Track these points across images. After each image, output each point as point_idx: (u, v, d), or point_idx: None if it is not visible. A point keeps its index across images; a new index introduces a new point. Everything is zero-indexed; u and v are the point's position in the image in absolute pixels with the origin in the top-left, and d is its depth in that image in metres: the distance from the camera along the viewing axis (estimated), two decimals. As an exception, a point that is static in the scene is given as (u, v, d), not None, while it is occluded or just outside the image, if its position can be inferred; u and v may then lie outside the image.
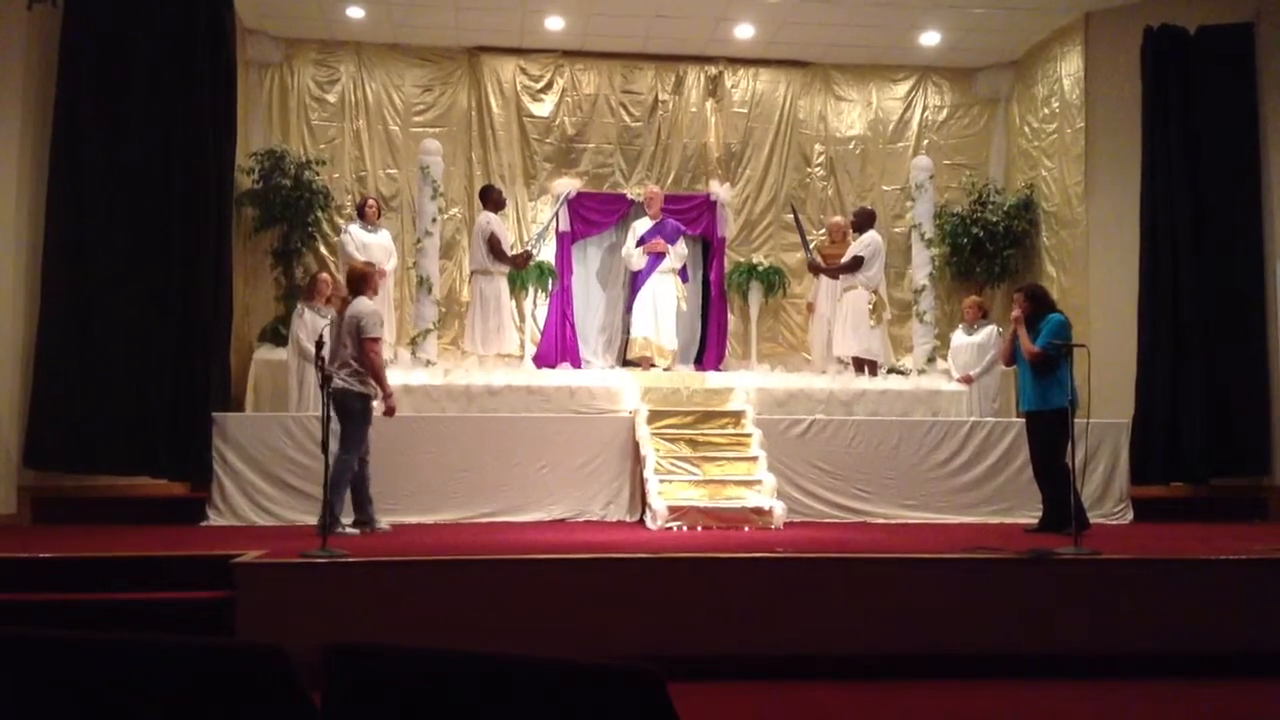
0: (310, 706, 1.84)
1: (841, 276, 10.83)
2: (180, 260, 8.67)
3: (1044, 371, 7.66)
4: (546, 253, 11.53)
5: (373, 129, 11.83)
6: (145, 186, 8.64)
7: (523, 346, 11.33)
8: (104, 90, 8.64)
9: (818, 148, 12.39)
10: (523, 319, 11.53)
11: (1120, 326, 10.21)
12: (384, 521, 7.80)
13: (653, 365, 10.81)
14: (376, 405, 7.62)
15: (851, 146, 12.44)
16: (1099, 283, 10.75)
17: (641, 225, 11.25)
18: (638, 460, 8.92)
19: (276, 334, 10.65)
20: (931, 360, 11.16)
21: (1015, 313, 8.03)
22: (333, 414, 7.15)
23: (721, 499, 8.42)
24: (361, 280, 7.75)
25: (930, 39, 11.67)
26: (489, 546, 6.53)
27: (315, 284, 9.82)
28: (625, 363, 11.37)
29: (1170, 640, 5.71)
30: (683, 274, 11.43)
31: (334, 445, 7.09)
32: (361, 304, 7.61)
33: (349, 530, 7.52)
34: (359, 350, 7.48)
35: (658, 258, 11.07)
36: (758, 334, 11.89)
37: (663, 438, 9.01)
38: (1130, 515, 9.32)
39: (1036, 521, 7.97)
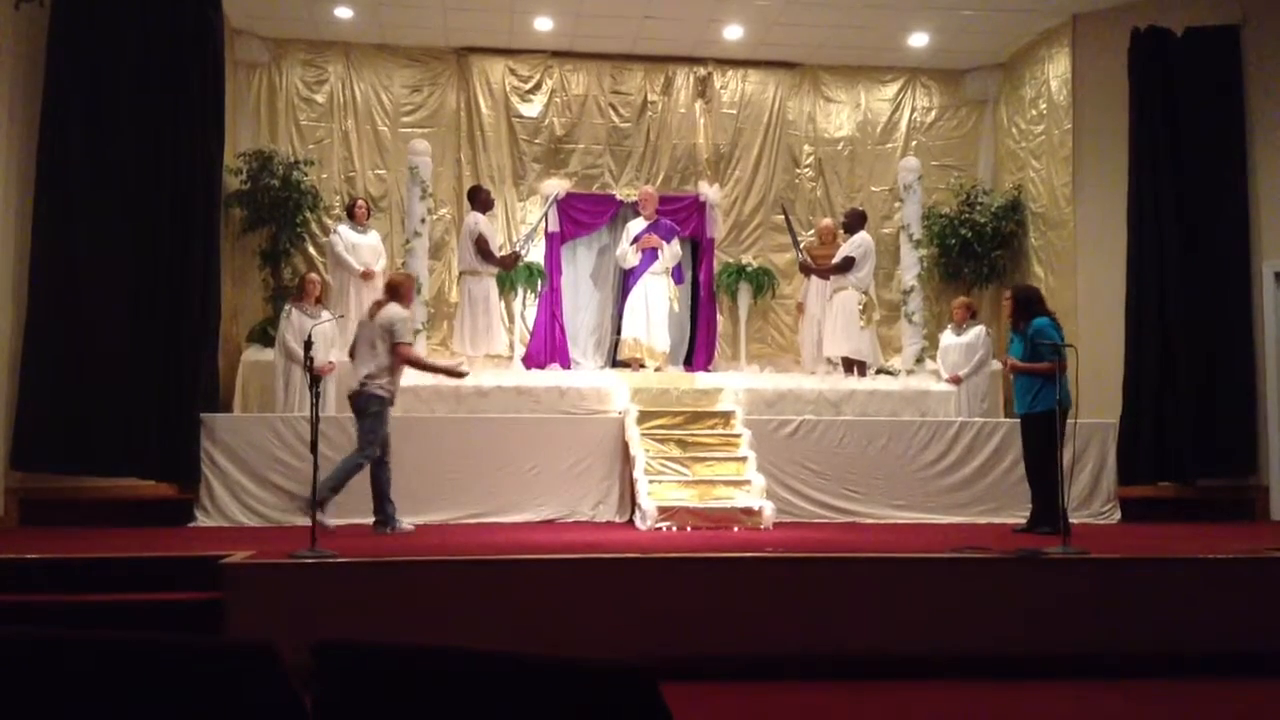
0: (300, 705, 1.84)
1: (832, 277, 10.84)
2: (168, 261, 8.66)
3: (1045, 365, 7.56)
4: (535, 253, 11.51)
5: (361, 129, 11.79)
6: (133, 187, 8.61)
7: (512, 347, 11.32)
8: (91, 91, 8.60)
9: (806, 149, 12.40)
10: (512, 320, 11.51)
11: (1108, 326, 10.23)
12: (406, 521, 7.84)
13: (643, 366, 10.79)
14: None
15: (840, 147, 12.45)
16: (1087, 283, 10.78)
17: (636, 225, 11.22)
18: (627, 461, 8.92)
19: (265, 335, 10.60)
20: (920, 361, 11.18)
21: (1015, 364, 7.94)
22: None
23: (711, 499, 8.43)
24: (399, 288, 7.94)
25: (919, 40, 11.69)
26: (478, 547, 6.52)
27: (304, 285, 9.85)
28: (615, 363, 11.36)
29: (1159, 639, 5.73)
30: (677, 275, 11.38)
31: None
32: (394, 310, 7.77)
33: (330, 524, 7.62)
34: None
35: (651, 257, 11.03)
36: (747, 335, 11.89)
37: (652, 438, 9.00)
38: (1118, 515, 9.37)
39: (1025, 521, 8.01)
